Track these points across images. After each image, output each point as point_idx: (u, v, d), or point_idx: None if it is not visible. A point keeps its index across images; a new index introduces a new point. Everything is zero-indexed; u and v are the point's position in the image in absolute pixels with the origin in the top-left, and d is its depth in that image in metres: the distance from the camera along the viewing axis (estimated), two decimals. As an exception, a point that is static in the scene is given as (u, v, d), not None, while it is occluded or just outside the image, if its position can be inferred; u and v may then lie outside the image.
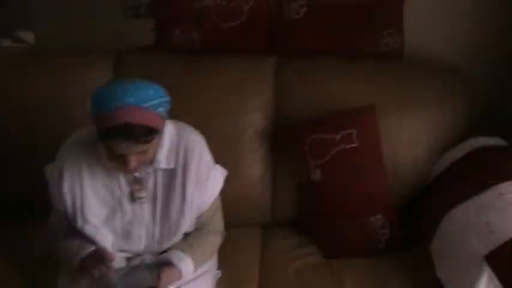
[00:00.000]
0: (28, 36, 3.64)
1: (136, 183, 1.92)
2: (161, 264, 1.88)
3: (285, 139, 2.36)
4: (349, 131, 2.21)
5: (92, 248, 1.89)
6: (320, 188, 2.24)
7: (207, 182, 1.95)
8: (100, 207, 1.92)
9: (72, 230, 1.98)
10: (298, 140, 2.28)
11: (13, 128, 2.42)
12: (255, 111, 2.37)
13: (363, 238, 2.21)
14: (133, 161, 1.76)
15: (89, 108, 2.35)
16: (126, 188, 1.92)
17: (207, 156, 1.96)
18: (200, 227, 2.01)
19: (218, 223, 2.05)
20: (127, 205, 1.92)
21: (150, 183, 1.93)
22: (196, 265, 1.92)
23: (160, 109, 1.75)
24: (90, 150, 1.90)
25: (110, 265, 1.78)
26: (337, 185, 2.22)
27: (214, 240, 2.03)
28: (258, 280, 2.12)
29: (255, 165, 2.36)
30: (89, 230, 1.92)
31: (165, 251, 1.96)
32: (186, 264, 1.89)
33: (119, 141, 1.70)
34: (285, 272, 2.14)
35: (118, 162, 1.79)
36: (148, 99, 1.71)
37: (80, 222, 1.92)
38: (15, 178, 2.45)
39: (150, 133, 1.73)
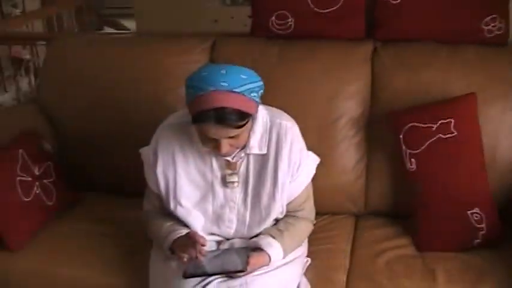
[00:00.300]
0: (130, 25, 3.76)
1: (229, 167, 1.93)
2: (250, 249, 1.89)
3: (380, 127, 2.30)
4: (448, 120, 2.12)
5: (184, 230, 1.92)
6: (415, 178, 2.16)
7: (299, 168, 1.93)
8: (192, 191, 1.96)
9: (164, 211, 2.03)
10: (393, 129, 2.21)
11: (109, 109, 2.51)
12: (350, 99, 2.33)
13: (458, 232, 2.12)
14: (225, 146, 1.78)
15: (182, 93, 2.44)
16: (218, 172, 1.94)
17: (299, 143, 1.94)
18: (291, 213, 2.00)
19: (309, 210, 2.03)
20: (219, 189, 1.94)
21: (242, 168, 1.94)
22: (286, 252, 1.91)
23: (253, 94, 1.75)
24: (184, 134, 1.94)
25: (201, 249, 1.80)
26: (433, 176, 2.13)
27: (305, 227, 2.02)
28: (348, 270, 2.08)
29: (349, 154, 2.32)
30: (181, 212, 1.96)
31: (254, 237, 1.97)
32: (275, 250, 1.88)
33: (211, 126, 1.72)
34: (375, 262, 2.09)
35: (211, 146, 1.81)
36: (241, 83, 1.71)
37: (172, 205, 1.96)
38: (112, 158, 2.54)
39: (242, 118, 1.73)
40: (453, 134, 2.12)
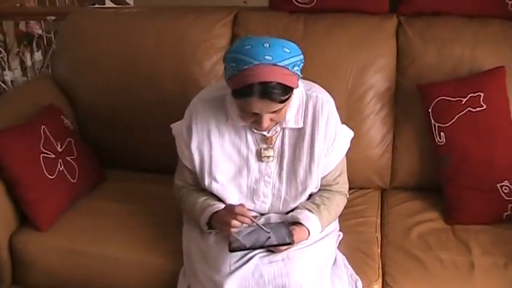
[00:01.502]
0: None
1: (264, 142, 1.87)
2: (288, 223, 1.84)
3: (406, 102, 2.27)
4: (477, 94, 2.09)
5: (221, 205, 1.87)
6: (444, 151, 2.13)
7: (334, 142, 1.88)
8: (227, 166, 1.90)
9: (197, 187, 1.96)
10: (422, 103, 2.18)
11: (130, 84, 2.42)
12: (376, 73, 2.28)
13: (488, 205, 2.10)
14: (267, 120, 1.72)
15: (206, 68, 2.37)
16: (253, 147, 1.88)
17: (335, 116, 1.89)
18: (325, 188, 1.96)
19: (343, 184, 1.99)
20: (254, 164, 1.89)
21: (277, 142, 1.88)
22: (323, 226, 1.87)
23: (296, 68, 1.69)
24: (219, 108, 1.87)
25: (246, 217, 1.74)
26: (462, 149, 2.11)
27: (340, 201, 1.97)
28: (381, 243, 2.05)
29: (376, 128, 2.28)
30: (216, 188, 1.91)
31: (290, 211, 1.92)
32: (313, 224, 1.84)
33: (255, 100, 1.66)
34: (408, 235, 2.06)
35: (251, 121, 1.74)
36: (285, 57, 1.65)
37: (207, 181, 1.90)
38: (134, 135, 2.46)
39: (286, 92, 1.67)
40: (482, 108, 2.09)
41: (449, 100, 2.11)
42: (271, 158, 1.88)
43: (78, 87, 2.49)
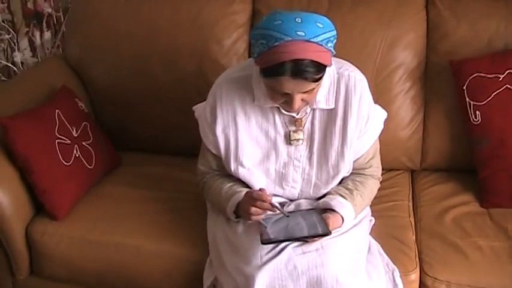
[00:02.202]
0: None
1: (293, 124, 1.74)
2: (320, 210, 1.71)
3: (437, 79, 2.13)
4: (515, 70, 1.94)
5: (246, 191, 1.74)
6: (480, 131, 2.00)
7: (367, 123, 1.74)
8: (254, 150, 1.77)
9: (223, 172, 1.84)
10: (456, 80, 2.04)
11: (146, 64, 2.27)
12: (406, 49, 2.13)
13: None
14: (298, 101, 1.59)
15: (227, 45, 2.21)
16: (281, 129, 1.75)
17: (368, 96, 1.76)
18: (357, 171, 1.83)
19: (376, 168, 1.86)
20: (282, 147, 1.76)
21: (307, 124, 1.74)
22: (357, 212, 1.76)
23: (330, 44, 1.54)
24: (244, 89, 1.74)
25: (270, 204, 1.63)
26: (499, 129, 1.98)
27: (373, 185, 1.85)
28: (415, 228, 1.93)
29: (406, 107, 2.14)
30: (243, 173, 1.78)
31: (321, 197, 1.79)
32: (347, 211, 1.72)
33: (287, 79, 1.52)
34: (442, 220, 1.94)
35: (281, 101, 1.60)
36: (318, 33, 1.51)
37: (233, 166, 1.78)
38: (152, 116, 2.32)
39: (320, 70, 1.53)
40: (521, 84, 1.95)
41: (486, 77, 1.98)
42: (300, 141, 1.75)
43: (91, 68, 2.35)
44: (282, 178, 1.79)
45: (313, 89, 1.58)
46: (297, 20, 1.51)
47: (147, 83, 2.27)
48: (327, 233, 1.59)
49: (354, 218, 1.75)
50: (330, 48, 1.55)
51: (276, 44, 1.50)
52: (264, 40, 1.52)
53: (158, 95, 2.26)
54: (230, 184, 1.80)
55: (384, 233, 1.86)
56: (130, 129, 2.36)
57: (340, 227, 1.70)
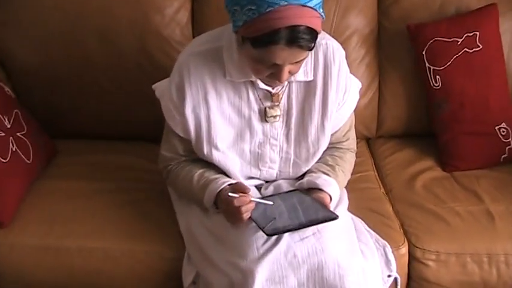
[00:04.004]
0: None
1: (269, 99, 1.53)
2: (304, 191, 1.53)
3: (393, 45, 2.00)
4: (473, 34, 1.87)
5: (223, 179, 1.52)
6: (440, 96, 1.91)
7: (345, 95, 1.58)
8: (227, 130, 1.55)
9: (191, 157, 1.58)
10: (414, 45, 1.93)
11: (78, 39, 1.93)
12: (358, 14, 1.97)
13: (486, 148, 1.92)
14: (286, 73, 1.37)
15: (170, 13, 1.91)
16: (256, 106, 1.54)
17: (346, 66, 1.58)
18: (334, 145, 1.66)
19: (353, 140, 1.72)
20: (257, 125, 1.55)
21: (283, 99, 1.53)
22: (340, 189, 1.59)
23: (321, 10, 1.33)
24: (213, 63, 1.50)
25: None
26: (459, 93, 1.90)
27: (351, 159, 1.70)
28: (389, 198, 1.81)
29: (361, 75, 1.98)
30: (217, 157, 1.56)
31: (300, 177, 1.61)
32: (333, 188, 1.56)
33: (279, 49, 1.30)
34: (412, 187, 1.84)
35: (266, 74, 1.38)
36: None
37: (206, 149, 1.54)
38: (88, 99, 1.99)
39: (314, 38, 1.33)
40: (479, 48, 1.89)
41: (445, 41, 1.88)
42: (277, 118, 1.55)
43: (13, 47, 1.95)
44: (258, 159, 1.59)
45: (303, 59, 1.38)
46: None
47: (81, 61, 1.93)
48: (336, 217, 1.41)
49: (338, 195, 1.59)
50: (322, 13, 1.34)
51: (268, 9, 1.27)
52: (254, 6, 1.28)
53: (94, 74, 1.94)
54: (201, 171, 1.57)
55: (362, 207, 1.71)
56: (65, 114, 2.01)
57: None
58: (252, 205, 1.43)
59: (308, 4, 1.29)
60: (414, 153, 2.00)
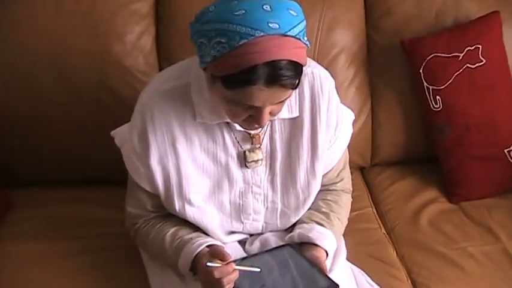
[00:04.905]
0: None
1: (249, 142, 1.28)
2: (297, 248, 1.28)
3: (387, 61, 1.75)
4: (475, 47, 1.62)
5: (200, 239, 1.26)
6: (442, 118, 1.67)
7: (336, 130, 1.33)
8: (201, 181, 1.29)
9: (161, 213, 1.33)
10: (410, 63, 1.68)
11: (25, 77, 1.64)
12: (344, 29, 1.71)
13: (495, 174, 1.69)
14: (267, 115, 1.12)
15: (129, 43, 1.67)
16: (233, 150, 1.28)
17: (336, 97, 1.33)
18: (327, 187, 1.41)
19: (348, 179, 1.47)
20: (237, 172, 1.30)
21: (265, 140, 1.28)
22: (336, 240, 1.33)
23: (305, 38, 1.08)
24: (180, 104, 1.24)
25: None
26: (463, 114, 1.66)
27: (347, 202, 1.45)
28: (391, 240, 1.57)
29: (352, 98, 1.74)
30: (191, 213, 1.31)
31: (290, 228, 1.37)
32: (329, 242, 1.32)
33: (257, 89, 1.06)
34: (417, 225, 1.60)
35: (243, 117, 1.13)
36: (294, 23, 1.06)
37: (178, 205, 1.29)
38: (37, 141, 1.70)
39: (298, 73, 1.08)
40: (482, 63, 1.64)
41: (444, 57, 1.64)
42: (259, 162, 1.29)
43: None
44: (240, 210, 1.33)
45: (287, 98, 1.13)
46: (265, 7, 1.03)
47: (35, 101, 1.65)
48: (337, 286, 1.16)
49: (335, 247, 1.34)
50: (306, 42, 1.10)
51: (242, 41, 1.02)
52: (224, 38, 1.03)
53: (51, 113, 1.66)
54: (174, 229, 1.32)
55: (361, 254, 1.47)
56: (20, 159, 1.72)
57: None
58: (236, 275, 1.18)
59: (289, 33, 1.05)
60: (415, 182, 1.76)
